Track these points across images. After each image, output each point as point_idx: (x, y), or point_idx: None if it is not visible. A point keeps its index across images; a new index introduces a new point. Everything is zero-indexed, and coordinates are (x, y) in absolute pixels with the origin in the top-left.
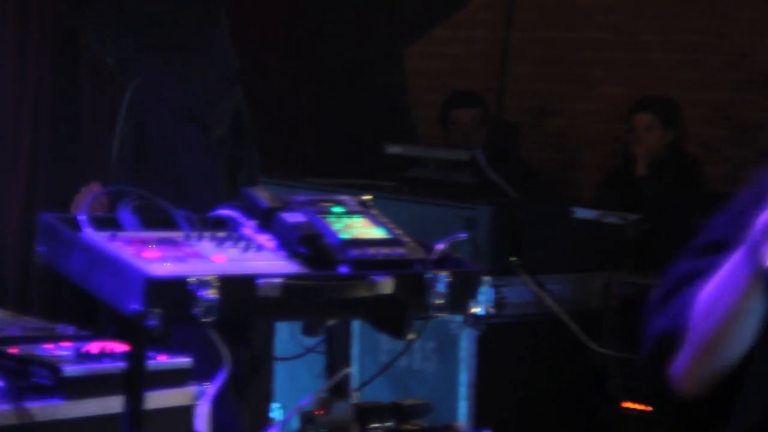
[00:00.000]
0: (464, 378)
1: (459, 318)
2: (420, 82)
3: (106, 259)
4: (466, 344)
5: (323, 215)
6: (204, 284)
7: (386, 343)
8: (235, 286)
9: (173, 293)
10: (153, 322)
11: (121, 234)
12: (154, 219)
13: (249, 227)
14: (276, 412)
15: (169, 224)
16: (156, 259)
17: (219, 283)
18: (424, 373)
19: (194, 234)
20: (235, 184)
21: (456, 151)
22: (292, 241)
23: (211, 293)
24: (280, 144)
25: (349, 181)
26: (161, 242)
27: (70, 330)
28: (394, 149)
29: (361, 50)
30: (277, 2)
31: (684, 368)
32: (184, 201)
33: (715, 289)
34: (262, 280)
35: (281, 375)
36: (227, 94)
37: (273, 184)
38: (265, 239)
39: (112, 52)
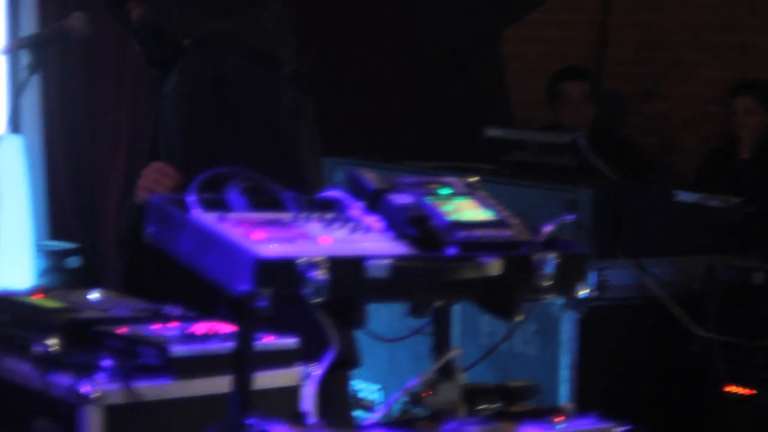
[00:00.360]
0: (565, 361)
1: (560, 301)
2: (517, 66)
3: (215, 240)
4: (567, 327)
5: (431, 197)
6: (313, 265)
7: (487, 325)
8: (344, 267)
9: (282, 274)
10: (262, 302)
11: (230, 215)
12: (262, 200)
13: (356, 209)
14: (376, 393)
15: (277, 205)
16: (265, 240)
17: (328, 264)
18: (525, 355)
19: (302, 215)
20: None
21: (556, 135)
22: (400, 223)
23: (320, 274)
24: (379, 128)
25: (448, 164)
26: (269, 223)
27: (176, 311)
28: (494, 132)
29: (458, 35)
30: None
31: None
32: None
33: None
34: (370, 261)
35: (381, 357)
36: (293, 37)
37: (372, 166)
38: (372, 221)
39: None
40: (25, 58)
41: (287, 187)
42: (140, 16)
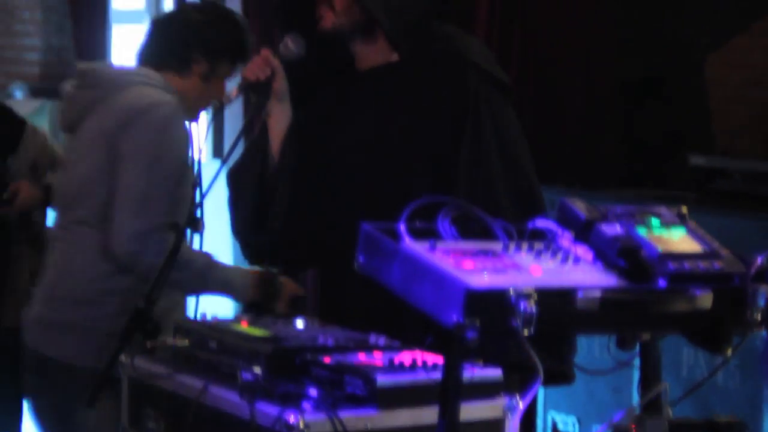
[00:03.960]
0: None
1: (764, 333)
2: (720, 92)
3: (426, 269)
4: None
5: (641, 227)
6: (523, 296)
7: (689, 357)
8: (554, 298)
9: (493, 305)
10: (472, 333)
11: (440, 244)
12: (472, 229)
13: (566, 238)
14: (573, 425)
15: (487, 234)
16: (475, 270)
17: (538, 295)
18: (727, 389)
19: (512, 245)
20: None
21: (762, 163)
22: (611, 254)
23: (530, 305)
24: (579, 154)
25: (651, 192)
26: (480, 253)
27: (381, 340)
28: (698, 160)
29: (659, 61)
30: (577, 15)
31: None
32: (512, 166)
33: None
34: (580, 293)
35: (579, 388)
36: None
37: (575, 193)
38: (581, 250)
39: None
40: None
41: (523, 212)
42: (335, 24)
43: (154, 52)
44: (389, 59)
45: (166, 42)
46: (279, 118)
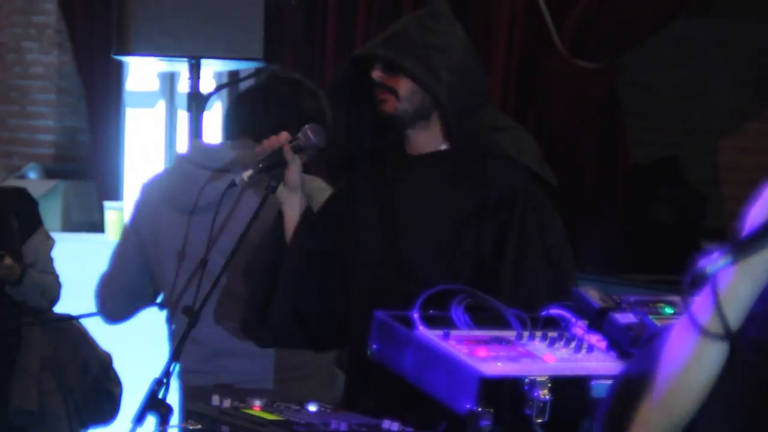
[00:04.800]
0: None
1: None
2: (733, 176)
3: (440, 357)
4: None
5: (655, 316)
6: (537, 384)
7: None
8: (568, 387)
9: (506, 393)
10: (486, 422)
11: (454, 332)
12: (486, 318)
13: (579, 327)
14: None
15: (500, 323)
16: (489, 358)
17: (552, 384)
18: None
19: (526, 333)
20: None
21: None
22: (624, 343)
23: (544, 394)
24: (592, 238)
25: (663, 278)
26: (493, 341)
27: (395, 426)
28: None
29: (674, 144)
30: (586, 97)
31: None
32: (556, 271)
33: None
34: (594, 382)
35: None
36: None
37: (587, 279)
38: (595, 339)
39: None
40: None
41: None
42: (397, 108)
43: (246, 123)
44: (440, 147)
45: (257, 113)
46: (291, 208)
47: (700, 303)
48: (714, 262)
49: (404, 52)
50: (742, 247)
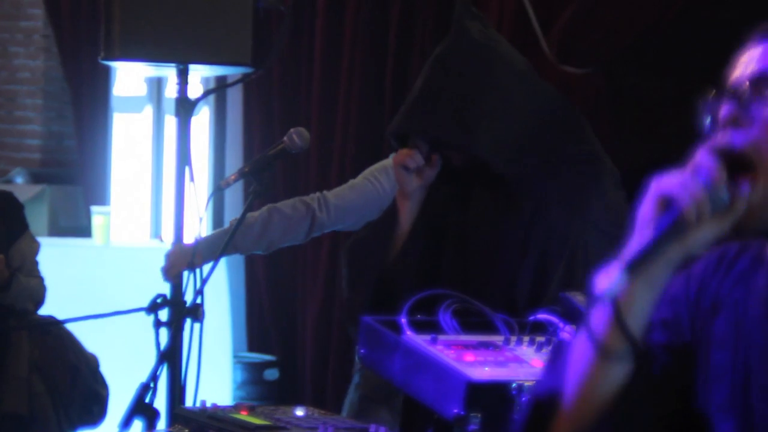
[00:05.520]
0: None
1: None
2: None
3: (428, 362)
4: None
5: None
6: (524, 389)
7: None
8: None
9: (494, 397)
10: (473, 426)
11: (442, 337)
12: (473, 323)
13: (566, 331)
14: None
15: (488, 328)
16: (477, 362)
17: None
18: None
19: (513, 338)
20: None
21: None
22: None
23: None
24: None
25: None
26: (481, 346)
27: (382, 430)
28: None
29: (661, 149)
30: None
31: None
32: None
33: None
34: None
35: None
36: (624, 202)
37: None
38: None
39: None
40: (250, 183)
41: None
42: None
43: None
44: None
45: None
46: (405, 212)
47: (599, 318)
48: (612, 283)
49: (433, 123)
50: (637, 261)
